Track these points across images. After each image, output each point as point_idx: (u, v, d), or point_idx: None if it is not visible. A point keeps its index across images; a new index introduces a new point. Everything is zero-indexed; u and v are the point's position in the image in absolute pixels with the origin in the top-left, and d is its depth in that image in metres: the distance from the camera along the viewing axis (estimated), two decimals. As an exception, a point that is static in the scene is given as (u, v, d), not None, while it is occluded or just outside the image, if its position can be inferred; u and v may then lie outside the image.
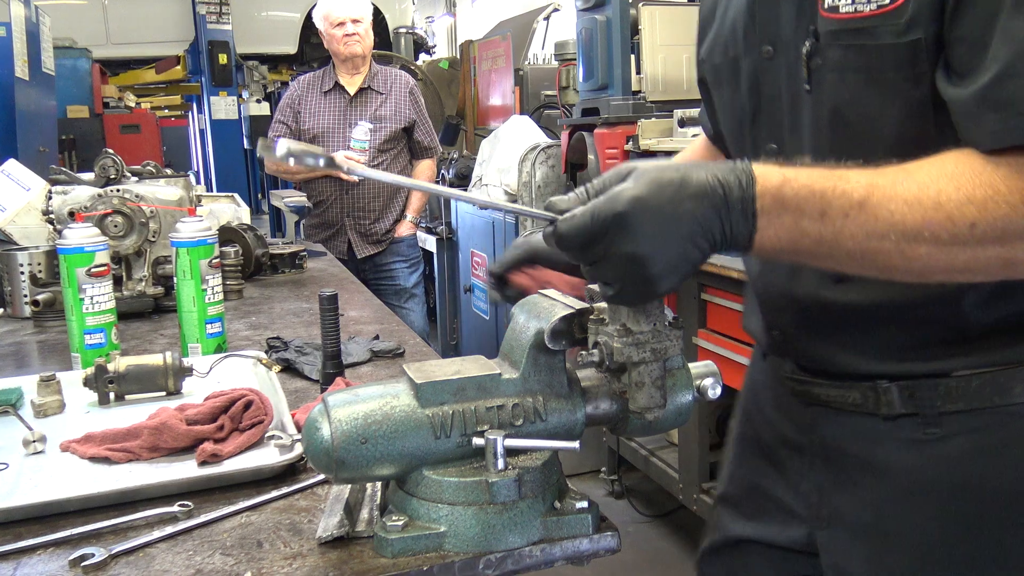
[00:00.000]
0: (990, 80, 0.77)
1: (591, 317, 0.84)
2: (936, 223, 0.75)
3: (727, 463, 1.26)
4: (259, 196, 9.97)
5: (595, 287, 0.90)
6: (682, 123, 2.75)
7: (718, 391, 0.90)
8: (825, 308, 0.98)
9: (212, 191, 7.65)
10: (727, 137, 1.12)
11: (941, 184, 0.76)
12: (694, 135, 2.70)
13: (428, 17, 12.51)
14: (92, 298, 1.47)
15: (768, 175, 0.77)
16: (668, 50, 3.41)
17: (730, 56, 1.04)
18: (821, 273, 0.96)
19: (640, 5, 3.37)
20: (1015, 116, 0.75)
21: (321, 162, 0.80)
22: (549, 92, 4.67)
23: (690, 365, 0.91)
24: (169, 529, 0.88)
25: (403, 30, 8.54)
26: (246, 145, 9.07)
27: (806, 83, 0.93)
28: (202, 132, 10.02)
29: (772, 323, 1.07)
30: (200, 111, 10.05)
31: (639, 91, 3.35)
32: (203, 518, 0.90)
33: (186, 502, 0.92)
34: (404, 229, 3.62)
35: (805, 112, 0.94)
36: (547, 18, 5.61)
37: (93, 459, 1.07)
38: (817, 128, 0.93)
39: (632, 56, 3.29)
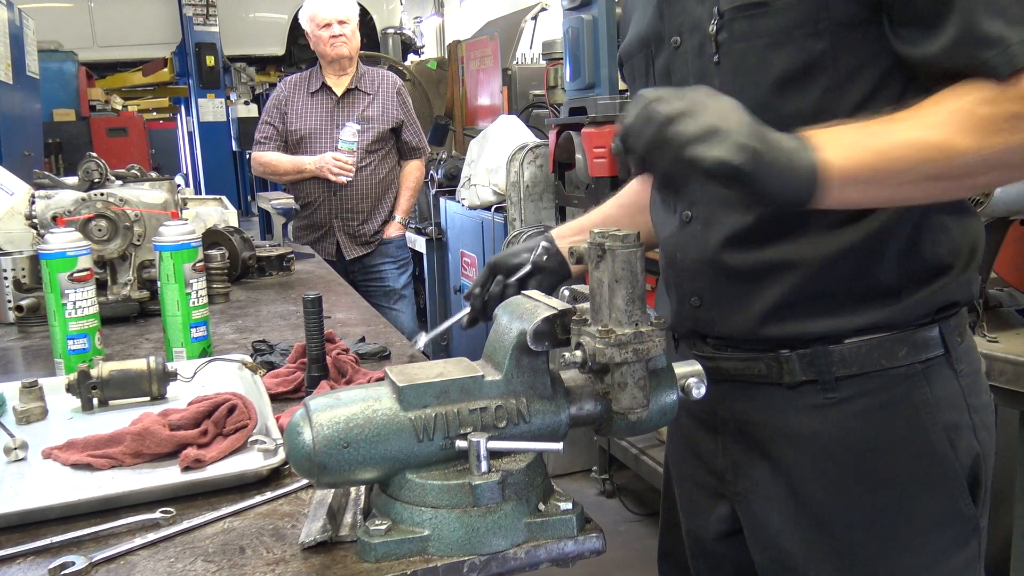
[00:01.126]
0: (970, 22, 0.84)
1: (574, 318, 0.84)
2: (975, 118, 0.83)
3: (674, 470, 1.30)
4: (248, 198, 9.93)
5: (578, 288, 0.90)
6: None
7: (703, 390, 0.90)
8: (733, 270, 1.03)
9: (201, 193, 7.63)
10: None
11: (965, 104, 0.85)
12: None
13: (416, 17, 12.48)
14: (75, 303, 1.46)
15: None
16: (655, 49, 3.40)
17: (642, 53, 1.12)
18: (728, 235, 1.02)
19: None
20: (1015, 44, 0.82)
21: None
22: (537, 92, 4.66)
23: (674, 364, 0.91)
24: (151, 536, 0.87)
25: (391, 30, 8.51)
26: (234, 147, 9.04)
27: (714, 57, 0.99)
28: (190, 134, 9.99)
29: (687, 291, 1.10)
30: (188, 113, 10.00)
31: (626, 90, 3.35)
32: (185, 524, 0.89)
33: (168, 508, 0.91)
34: (393, 230, 3.61)
35: (714, 87, 0.95)
36: (534, 18, 5.60)
37: (75, 466, 1.06)
38: None
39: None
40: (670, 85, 1.05)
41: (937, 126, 0.84)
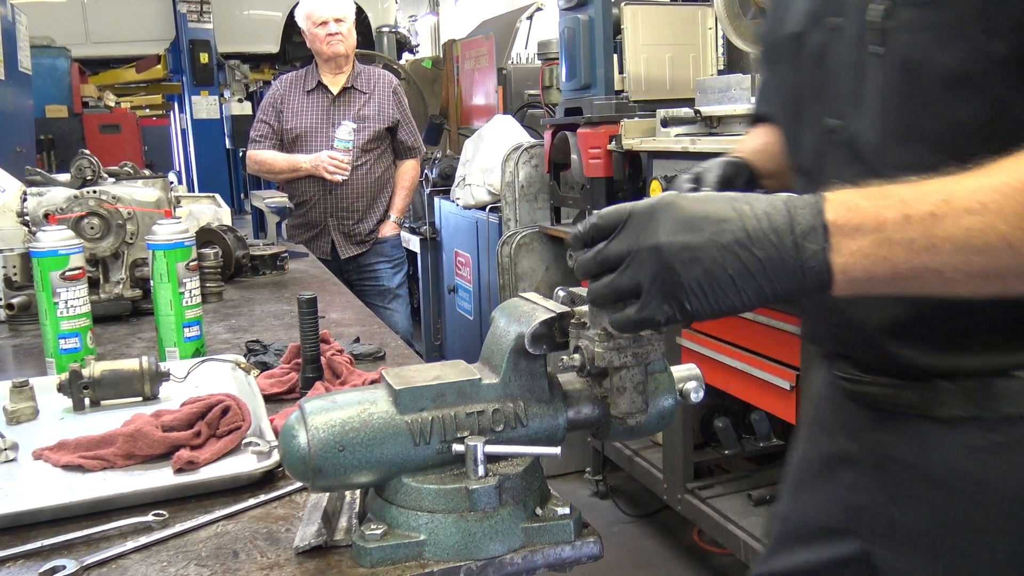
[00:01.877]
0: None
1: (572, 321, 0.83)
2: None
3: (781, 498, 1.17)
4: (242, 196, 9.90)
5: (575, 290, 0.89)
6: (665, 123, 2.75)
7: (701, 395, 0.90)
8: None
9: (194, 191, 7.60)
10: (781, 117, 1.08)
11: None
12: (676, 135, 2.70)
13: (411, 16, 12.46)
14: (67, 302, 1.44)
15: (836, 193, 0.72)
16: (650, 49, 3.40)
17: (791, 33, 1.00)
18: None
19: (622, 5, 3.36)
20: None
21: None
22: (532, 91, 4.66)
23: (672, 368, 0.90)
24: (143, 539, 0.86)
25: (386, 29, 8.49)
26: (228, 145, 9.00)
27: (878, 46, 0.87)
28: (183, 132, 9.95)
29: (833, 308, 0.98)
30: (181, 111, 9.97)
31: (622, 91, 3.35)
32: (178, 527, 0.88)
33: (161, 511, 0.90)
34: (388, 229, 3.60)
35: (872, 80, 0.89)
36: (530, 17, 5.60)
37: (66, 467, 1.04)
38: (886, 96, 0.88)
39: (615, 55, 3.29)
40: (822, 72, 0.95)
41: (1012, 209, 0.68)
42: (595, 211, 0.78)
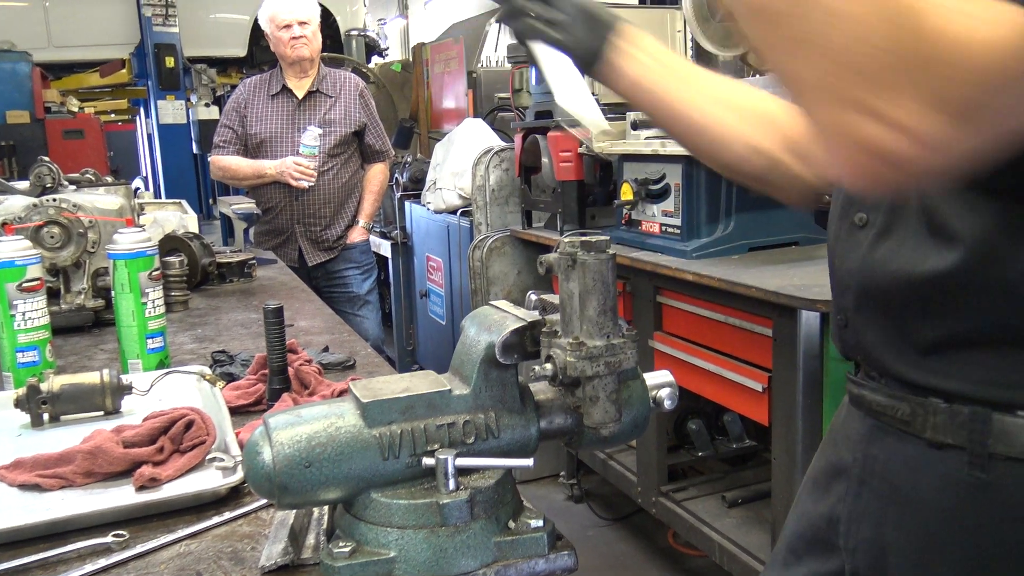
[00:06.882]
0: None
1: (544, 330, 0.81)
2: None
3: (792, 507, 1.12)
4: (210, 202, 9.77)
5: (547, 297, 0.88)
6: (635, 125, 2.74)
7: (674, 402, 0.89)
8: (901, 285, 0.83)
9: (161, 197, 7.49)
10: None
11: None
12: (647, 138, 2.70)
13: (380, 19, 12.39)
14: (24, 314, 1.40)
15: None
16: (620, 52, 3.40)
17: None
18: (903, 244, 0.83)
19: (591, 7, 3.36)
20: None
21: None
22: (502, 95, 4.64)
23: (645, 375, 0.89)
24: (102, 562, 0.83)
25: (355, 32, 8.44)
26: (195, 150, 8.88)
27: None
28: (150, 137, 9.80)
29: (839, 306, 0.95)
30: (147, 115, 9.81)
31: (593, 94, 3.34)
32: (139, 548, 0.85)
33: (121, 532, 0.87)
34: (356, 235, 3.56)
35: None
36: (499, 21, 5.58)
37: (23, 487, 1.01)
38: None
39: (584, 58, 3.28)
40: None
41: None
42: None
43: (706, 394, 2.40)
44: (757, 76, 2.51)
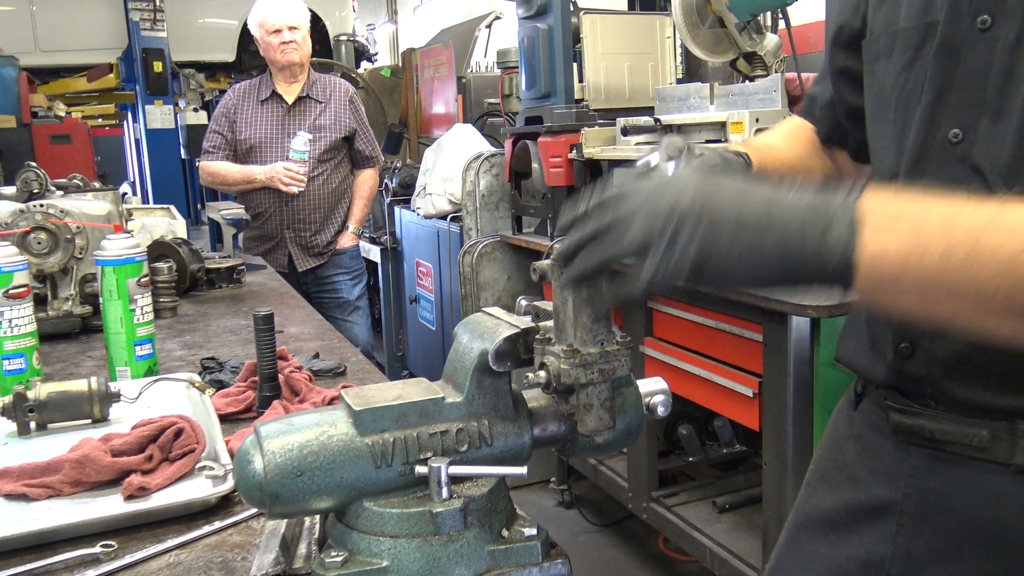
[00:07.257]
0: None
1: (537, 337, 0.81)
2: None
3: (778, 546, 1.07)
4: (199, 207, 9.73)
5: (540, 304, 0.87)
6: (625, 131, 2.75)
7: (667, 409, 0.88)
8: None
9: (149, 203, 7.45)
10: (874, 122, 0.94)
11: None
12: (637, 144, 2.70)
13: (369, 24, 12.39)
14: (11, 321, 1.39)
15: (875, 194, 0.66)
16: (610, 58, 3.41)
17: (923, 22, 0.86)
18: None
19: (581, 14, 3.37)
20: None
21: None
22: (492, 100, 4.64)
23: (639, 382, 0.89)
24: (90, 573, 0.82)
25: (344, 38, 8.42)
26: (183, 155, 8.85)
27: None
28: (137, 142, 9.76)
29: (896, 334, 0.88)
30: (135, 120, 9.77)
31: (582, 99, 3.35)
32: (128, 559, 0.84)
33: (109, 542, 0.86)
34: (346, 240, 3.55)
35: (1020, 94, 0.77)
36: (489, 26, 5.58)
37: (9, 496, 1.00)
38: None
39: (574, 64, 3.29)
40: (950, 74, 0.83)
41: None
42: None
43: (697, 399, 2.40)
44: (747, 82, 2.52)
